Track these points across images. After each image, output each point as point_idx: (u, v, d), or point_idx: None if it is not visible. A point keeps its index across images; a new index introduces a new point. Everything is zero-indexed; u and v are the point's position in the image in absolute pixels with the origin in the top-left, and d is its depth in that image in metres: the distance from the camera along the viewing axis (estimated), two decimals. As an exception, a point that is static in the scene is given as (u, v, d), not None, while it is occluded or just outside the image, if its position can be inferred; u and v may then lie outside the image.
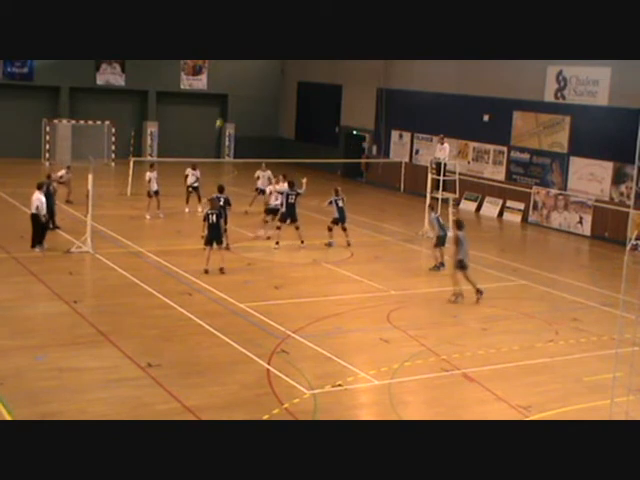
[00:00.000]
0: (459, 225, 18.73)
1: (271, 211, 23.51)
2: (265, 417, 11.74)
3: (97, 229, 22.65)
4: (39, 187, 21.10)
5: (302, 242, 22.97)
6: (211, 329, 15.62)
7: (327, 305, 17.92)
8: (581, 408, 12.85)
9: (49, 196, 23.52)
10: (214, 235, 19.31)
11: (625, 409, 10.90)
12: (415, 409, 13.04)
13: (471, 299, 18.85)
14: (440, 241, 21.44)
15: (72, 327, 15.50)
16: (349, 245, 23.41)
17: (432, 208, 22.48)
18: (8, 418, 11.28)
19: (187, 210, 27.33)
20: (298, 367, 13.86)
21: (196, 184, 27.25)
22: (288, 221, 22.70)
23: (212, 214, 19.31)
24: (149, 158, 39.89)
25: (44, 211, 20.72)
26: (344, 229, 23.52)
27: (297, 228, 22.95)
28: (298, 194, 22.86)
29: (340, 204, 23.44)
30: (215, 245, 19.38)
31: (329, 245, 23.28)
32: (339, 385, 13.25)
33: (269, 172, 27.68)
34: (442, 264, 21.18)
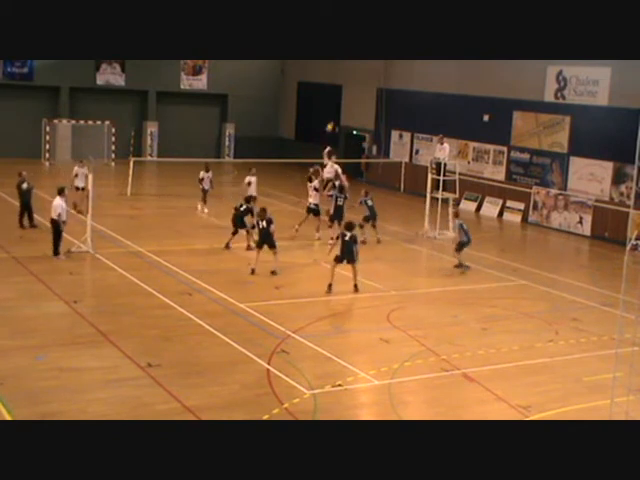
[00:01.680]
0: (348, 227, 18.96)
1: (310, 210, 24.65)
2: (265, 417, 11.74)
3: (97, 229, 22.64)
4: (60, 192, 20.55)
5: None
6: (211, 329, 15.62)
7: (327, 305, 17.92)
8: (581, 408, 12.85)
9: (24, 193, 23.49)
10: (265, 240, 20.10)
11: (625, 409, 10.90)
12: (415, 409, 13.05)
13: (469, 299, 18.89)
14: (461, 246, 21.52)
15: (72, 327, 15.50)
16: (379, 242, 24.34)
17: (456, 215, 22.63)
18: (8, 418, 11.29)
19: (199, 209, 27.45)
20: (298, 367, 13.86)
21: (207, 186, 27.31)
22: (336, 222, 23.90)
23: (262, 220, 20.23)
24: (149, 158, 39.94)
25: (64, 217, 20.32)
26: (374, 226, 24.45)
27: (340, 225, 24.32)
28: (346, 197, 24.17)
29: (370, 203, 24.46)
30: (267, 248, 20.05)
31: (363, 243, 23.70)
32: (339, 385, 13.25)
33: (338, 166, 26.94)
34: (463, 265, 21.45)
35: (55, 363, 13.50)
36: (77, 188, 25.89)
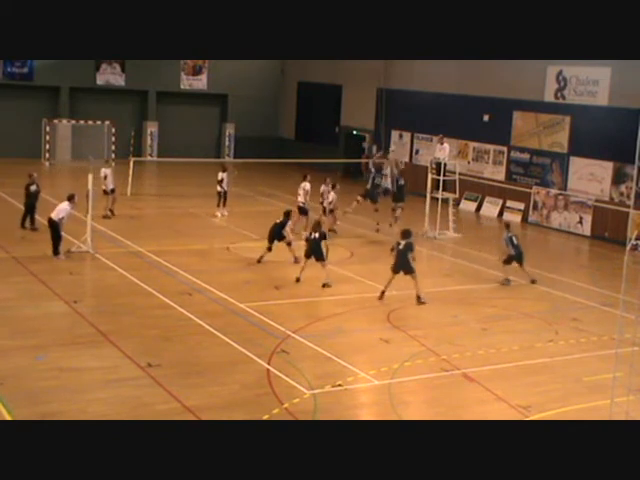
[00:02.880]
0: (404, 235, 18.70)
1: (302, 211, 24.73)
2: (265, 417, 11.74)
3: (97, 229, 22.64)
4: (70, 198, 20.48)
5: (377, 224, 25.70)
6: (211, 329, 15.62)
7: (327, 305, 17.92)
8: (581, 408, 12.85)
9: (31, 195, 23.50)
10: (314, 252, 19.71)
11: (625, 409, 10.90)
12: (415, 409, 13.05)
13: (469, 299, 18.91)
14: (510, 259, 20.55)
15: (72, 327, 15.50)
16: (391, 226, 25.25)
17: (507, 227, 21.41)
18: (8, 418, 11.29)
19: (219, 215, 26.98)
20: (298, 367, 13.86)
21: (226, 187, 26.97)
22: (368, 200, 25.28)
23: (315, 232, 19.92)
24: (149, 158, 39.93)
25: (65, 222, 20.23)
26: (398, 209, 26.16)
27: (376, 210, 25.60)
28: (384, 175, 25.93)
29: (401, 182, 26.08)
30: (315, 260, 19.56)
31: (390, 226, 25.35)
32: (339, 385, 13.25)
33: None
34: (507, 280, 20.66)
35: (55, 363, 13.50)
36: (105, 192, 25.46)
